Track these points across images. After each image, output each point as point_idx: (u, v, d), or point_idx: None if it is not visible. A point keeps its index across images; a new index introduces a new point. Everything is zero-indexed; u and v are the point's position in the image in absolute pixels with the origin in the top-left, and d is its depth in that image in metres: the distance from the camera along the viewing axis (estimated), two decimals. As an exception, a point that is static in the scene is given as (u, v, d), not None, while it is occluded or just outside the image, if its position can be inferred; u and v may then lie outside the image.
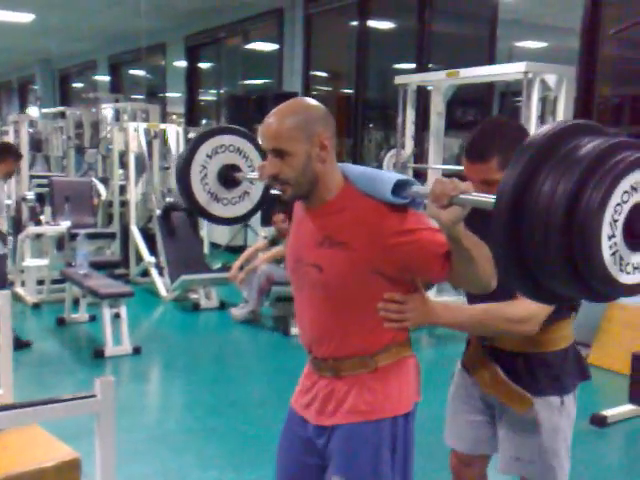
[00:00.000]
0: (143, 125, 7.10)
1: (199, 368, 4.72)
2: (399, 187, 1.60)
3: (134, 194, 7.01)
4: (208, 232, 7.86)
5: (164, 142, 7.19)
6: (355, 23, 7.68)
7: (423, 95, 5.52)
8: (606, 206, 1.22)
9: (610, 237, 1.23)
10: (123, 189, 7.48)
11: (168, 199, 6.73)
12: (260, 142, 1.71)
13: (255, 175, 2.32)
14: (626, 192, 1.24)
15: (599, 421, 3.68)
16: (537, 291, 1.34)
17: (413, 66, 6.77)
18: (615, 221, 1.23)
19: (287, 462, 1.87)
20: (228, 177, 2.48)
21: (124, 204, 7.41)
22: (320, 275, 1.67)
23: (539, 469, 1.91)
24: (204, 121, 10.36)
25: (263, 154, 2.48)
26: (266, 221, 6.34)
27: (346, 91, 8.69)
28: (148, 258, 6.61)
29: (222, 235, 8.69)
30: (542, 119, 4.71)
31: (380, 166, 5.75)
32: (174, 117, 11.27)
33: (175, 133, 7.24)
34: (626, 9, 5.33)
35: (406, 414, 1.70)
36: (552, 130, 1.28)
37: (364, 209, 1.63)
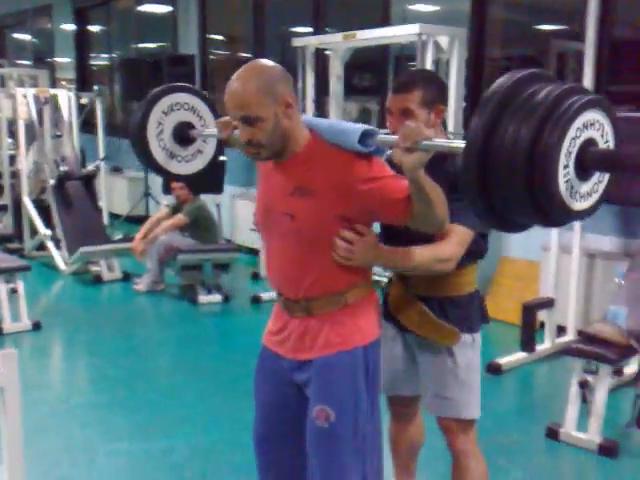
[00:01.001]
0: (32, 91, 6.75)
1: (104, 341, 4.63)
2: (365, 136, 1.71)
3: (25, 164, 6.68)
4: (107, 202, 7.63)
5: (55, 109, 6.88)
6: (251, -15, 7.56)
7: (321, 59, 5.53)
8: (562, 144, 1.38)
9: (565, 167, 1.41)
10: (13, 159, 7.12)
11: (62, 168, 6.46)
12: (227, 110, 1.74)
13: (213, 131, 2.37)
14: (578, 129, 1.41)
15: (494, 369, 3.91)
16: (501, 221, 1.52)
17: (310, 30, 6.76)
18: (569, 153, 1.40)
19: (266, 397, 1.97)
20: (183, 134, 2.53)
21: (15, 175, 7.06)
22: (292, 223, 1.77)
23: (458, 404, 2.08)
24: (96, 87, 9.95)
25: (215, 112, 2.60)
26: (167, 189, 6.23)
27: (244, 55, 8.58)
28: (43, 231, 6.36)
29: (122, 205, 8.46)
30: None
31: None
32: (64, 83, 10.77)
33: (67, 99, 6.94)
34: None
35: (373, 342, 1.85)
36: (511, 79, 1.42)
37: (332, 158, 1.74)
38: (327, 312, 1.82)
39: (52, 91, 7.03)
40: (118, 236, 6.79)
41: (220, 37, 8.60)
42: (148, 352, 4.46)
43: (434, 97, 1.95)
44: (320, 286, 1.81)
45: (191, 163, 2.60)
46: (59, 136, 7.00)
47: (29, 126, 6.73)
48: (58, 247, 6.32)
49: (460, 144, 1.51)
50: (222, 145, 2.56)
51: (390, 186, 1.71)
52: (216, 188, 6.47)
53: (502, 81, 1.43)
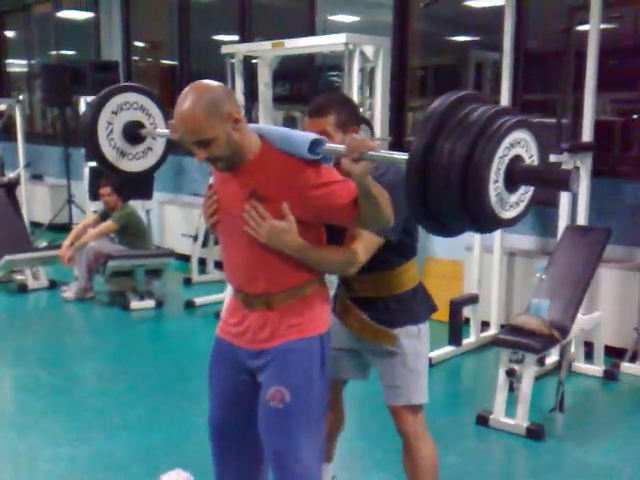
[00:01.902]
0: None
1: (35, 349, 4.55)
2: (314, 145, 1.81)
3: (-58, 172, 6.46)
4: (28, 210, 7.44)
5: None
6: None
7: (248, 66, 5.61)
8: (493, 160, 1.54)
9: (495, 182, 1.57)
10: None
11: (-17, 176, 6.29)
12: (180, 133, 1.83)
13: (165, 131, 2.47)
14: (507, 147, 1.57)
15: (426, 363, 4.09)
16: (440, 228, 1.67)
17: (235, 37, 6.83)
18: (499, 169, 1.56)
19: (221, 385, 2.05)
20: (133, 133, 2.59)
21: None
22: (247, 224, 1.86)
23: (408, 391, 2.22)
24: (15, 93, 9.67)
25: (165, 113, 2.67)
26: (95, 196, 6.15)
27: (167, 62, 8.55)
28: (-36, 240, 6.16)
29: (44, 213, 8.26)
30: (362, 89, 5.01)
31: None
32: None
33: (-15, 105, 6.75)
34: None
35: (327, 331, 1.98)
36: (447, 101, 1.57)
37: (283, 165, 1.84)
38: (286, 305, 1.93)
39: (-30, 96, 6.82)
40: (42, 244, 6.64)
41: (143, 44, 8.55)
42: (82, 359, 4.42)
43: (347, 119, 2.09)
44: (279, 283, 1.92)
45: (142, 160, 2.68)
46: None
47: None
48: (-21, 257, 6.13)
49: (401, 156, 1.66)
50: (172, 143, 2.65)
51: (339, 191, 1.83)
52: (145, 194, 6.44)
53: (439, 102, 1.58)
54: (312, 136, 1.84)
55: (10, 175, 6.63)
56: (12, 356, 4.46)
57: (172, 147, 2.73)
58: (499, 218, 1.62)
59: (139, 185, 6.24)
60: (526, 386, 3.28)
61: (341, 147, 1.76)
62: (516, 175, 1.59)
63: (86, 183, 6.59)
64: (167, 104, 8.41)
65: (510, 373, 3.29)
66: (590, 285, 3.80)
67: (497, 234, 4.49)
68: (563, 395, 3.37)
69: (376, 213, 1.80)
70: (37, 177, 8.68)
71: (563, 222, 4.05)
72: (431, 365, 4.09)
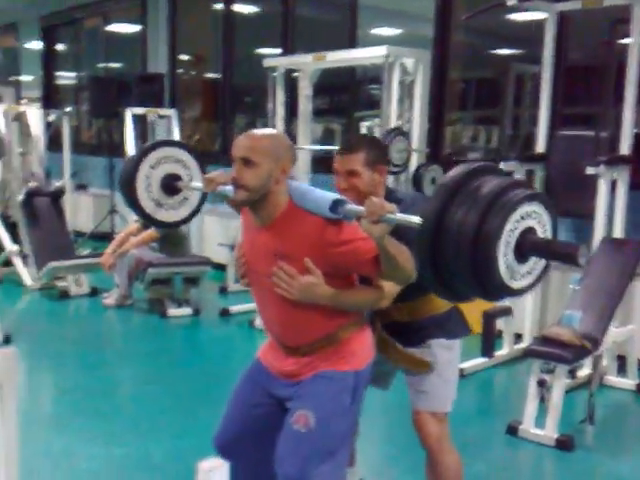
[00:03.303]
0: (1, 107, 6.78)
1: (75, 354, 4.68)
2: (335, 204, 1.87)
3: (-7, 180, 6.70)
4: (72, 219, 7.65)
5: (23, 125, 6.92)
6: (221, 6, 7.74)
7: (289, 80, 5.71)
8: (502, 233, 1.56)
9: (505, 255, 1.59)
10: (-21, 176, 7.11)
11: (31, 184, 6.49)
12: (233, 150, 1.93)
13: (199, 185, 2.56)
14: (518, 219, 1.60)
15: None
16: (448, 292, 1.70)
17: (277, 51, 6.94)
18: (509, 241, 1.58)
19: (245, 397, 2.12)
20: (170, 185, 2.73)
21: (-20, 192, 7.06)
22: (277, 285, 1.93)
23: (434, 397, 2.26)
24: (67, 109, 9.98)
25: (201, 165, 2.83)
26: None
27: (211, 75, 8.73)
28: (10, 247, 6.37)
29: (87, 222, 8.48)
30: (401, 102, 5.06)
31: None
32: (25, 101, 10.77)
33: (35, 116, 6.99)
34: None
35: (363, 369, 2.01)
36: (462, 171, 1.62)
37: (305, 224, 1.90)
38: (323, 350, 1.99)
39: (21, 108, 7.07)
40: (84, 252, 6.82)
41: (188, 57, 8.75)
42: (120, 364, 4.53)
43: (376, 158, 2.18)
44: (314, 333, 1.99)
45: (178, 211, 2.83)
46: (24, 154, 7.03)
47: (-4, 142, 6.75)
48: (25, 263, 6.33)
49: (416, 220, 1.70)
50: (205, 195, 2.80)
51: (361, 248, 1.87)
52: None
53: (455, 172, 1.63)
54: (333, 196, 1.90)
55: (56, 184, 6.83)
56: (53, 360, 4.58)
57: (206, 198, 2.86)
58: (509, 288, 1.64)
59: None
60: (556, 397, 3.26)
61: (360, 208, 1.82)
62: (526, 247, 1.61)
63: (129, 192, 6.76)
64: (209, 117, 8.62)
65: (541, 383, 3.28)
66: (624, 298, 3.75)
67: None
68: (594, 407, 3.34)
69: (396, 271, 1.85)
70: (81, 187, 8.92)
71: (599, 234, 4.01)
72: (463, 376, 4.08)
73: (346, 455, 2.02)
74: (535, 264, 1.67)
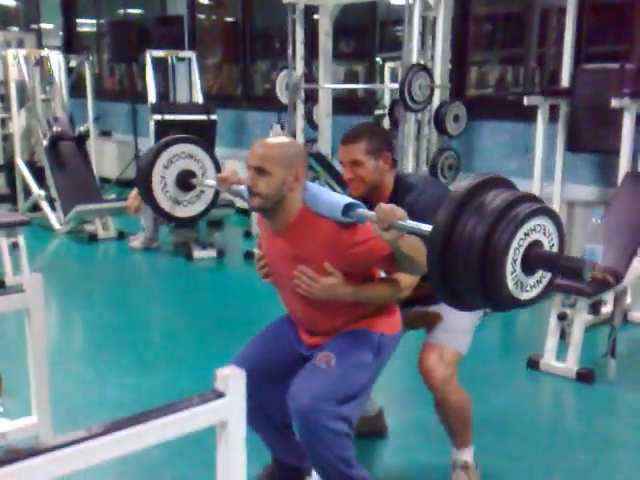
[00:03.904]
0: (23, 52, 6.79)
1: (105, 293, 4.79)
2: (347, 208, 1.91)
3: (18, 126, 6.76)
4: (97, 166, 7.71)
5: (45, 70, 6.93)
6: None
7: (309, 22, 5.63)
8: (509, 248, 1.57)
9: (512, 269, 1.60)
10: (4, 122, 7.19)
11: (55, 128, 6.54)
12: (247, 159, 1.97)
13: (213, 183, 2.60)
14: (527, 232, 1.60)
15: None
16: (458, 302, 1.72)
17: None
18: (516, 254, 1.59)
19: (268, 338, 2.21)
20: (185, 181, 2.78)
21: (6, 138, 7.14)
22: (299, 287, 1.99)
23: (455, 334, 2.28)
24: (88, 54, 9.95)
25: (213, 158, 2.86)
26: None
27: (231, 19, 8.63)
28: (37, 191, 6.46)
29: (112, 169, 8.54)
30: (424, 39, 4.99)
31: (273, 87, 5.86)
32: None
33: (57, 61, 6.99)
34: None
35: (391, 335, 2.09)
36: (472, 184, 1.63)
37: (319, 228, 1.95)
38: (348, 327, 2.08)
39: (43, 52, 7.07)
40: (111, 197, 6.91)
41: (208, 1, 8.65)
42: (148, 302, 4.64)
43: (379, 146, 2.19)
44: (339, 322, 2.07)
45: (194, 205, 2.87)
46: (48, 100, 7.07)
47: (20, 88, 6.79)
48: (52, 207, 6.43)
49: (426, 228, 1.72)
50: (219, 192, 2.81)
51: (376, 247, 1.91)
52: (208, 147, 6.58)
53: (466, 183, 1.63)
54: (345, 200, 1.93)
55: (80, 129, 6.87)
56: (83, 299, 4.71)
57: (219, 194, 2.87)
58: (517, 300, 1.65)
59: (203, 139, 6.39)
60: (577, 330, 3.29)
61: (371, 214, 1.84)
62: (532, 260, 1.62)
63: (152, 137, 6.79)
64: (230, 61, 8.54)
65: (562, 317, 3.30)
66: (650, 233, 3.73)
67: (557, 184, 4.45)
68: (615, 341, 3.36)
69: (412, 266, 1.91)
70: (105, 133, 8.97)
71: (623, 169, 3.97)
72: (486, 314, 4.12)
73: (359, 409, 2.07)
74: (543, 274, 1.69)
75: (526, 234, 1.59)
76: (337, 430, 1.93)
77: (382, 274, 2.16)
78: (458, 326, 2.26)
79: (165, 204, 2.79)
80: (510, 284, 1.60)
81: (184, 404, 1.42)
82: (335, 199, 1.95)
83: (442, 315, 2.27)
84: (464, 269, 1.57)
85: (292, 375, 2.03)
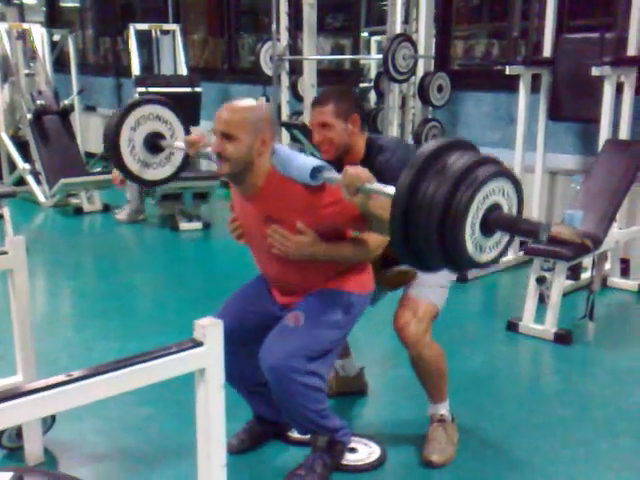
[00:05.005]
0: (4, 26, 6.74)
1: (91, 263, 4.83)
2: (314, 171, 1.93)
3: (1, 100, 6.72)
4: (82, 141, 7.68)
5: (29, 45, 6.88)
6: None
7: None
8: (469, 210, 1.58)
9: (472, 231, 1.62)
10: (-14, 96, 7.13)
11: (39, 102, 6.51)
12: (214, 123, 1.98)
13: (182, 145, 2.59)
14: (486, 194, 1.60)
15: (460, 278, 4.15)
16: (419, 263, 1.74)
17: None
18: (475, 219, 1.61)
19: (245, 299, 2.25)
20: (154, 143, 2.73)
21: (-11, 112, 7.09)
22: (273, 246, 2.02)
23: (430, 289, 2.32)
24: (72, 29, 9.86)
25: (181, 119, 2.81)
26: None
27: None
28: (22, 165, 6.45)
29: (97, 143, 8.46)
30: (408, 10, 4.99)
31: (258, 60, 5.84)
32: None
33: (40, 35, 6.94)
34: None
35: (360, 294, 2.13)
36: (434, 146, 1.64)
37: (289, 191, 1.97)
38: (321, 286, 2.12)
39: (25, 26, 7.02)
40: (97, 169, 6.89)
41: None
42: (135, 272, 4.67)
43: (347, 108, 2.24)
44: (312, 281, 2.11)
45: (163, 168, 2.82)
46: (32, 75, 7.02)
47: (3, 62, 6.74)
48: (38, 181, 6.41)
49: (390, 191, 1.73)
50: (188, 156, 2.77)
51: (345, 208, 1.94)
52: (193, 120, 6.58)
53: (428, 146, 1.65)
54: (313, 162, 1.95)
55: (65, 102, 6.83)
56: (70, 269, 4.73)
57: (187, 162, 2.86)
58: (475, 261, 1.68)
59: (187, 112, 6.38)
60: (556, 293, 3.35)
61: (338, 177, 1.87)
62: (491, 223, 1.64)
63: (137, 110, 6.77)
64: (215, 33, 8.47)
65: (540, 280, 3.37)
66: (630, 200, 3.80)
67: (538, 153, 4.49)
68: (593, 303, 3.43)
69: (382, 226, 1.90)
70: (90, 108, 8.92)
71: (604, 137, 4.02)
72: (467, 280, 4.19)
73: (329, 365, 2.13)
74: (502, 237, 1.72)
75: (485, 197, 1.61)
76: (309, 384, 2.00)
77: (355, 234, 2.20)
78: (431, 281, 2.30)
79: (134, 166, 2.74)
80: (470, 247, 1.63)
81: (163, 351, 1.47)
82: (303, 162, 1.97)
83: (418, 273, 2.32)
84: (425, 231, 1.60)
85: (265, 334, 2.08)
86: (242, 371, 2.22)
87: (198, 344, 1.50)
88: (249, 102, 2.02)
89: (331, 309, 2.08)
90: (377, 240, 2.11)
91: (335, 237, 2.06)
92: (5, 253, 2.17)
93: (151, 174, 2.80)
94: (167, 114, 2.81)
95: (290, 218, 1.98)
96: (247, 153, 1.95)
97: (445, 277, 2.33)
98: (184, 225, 5.60)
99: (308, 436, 2.21)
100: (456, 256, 1.64)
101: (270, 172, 2.00)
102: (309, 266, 2.07)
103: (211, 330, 1.51)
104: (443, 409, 2.40)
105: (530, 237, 1.72)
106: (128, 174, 2.77)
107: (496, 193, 1.65)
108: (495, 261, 1.75)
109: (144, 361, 1.43)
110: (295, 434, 2.38)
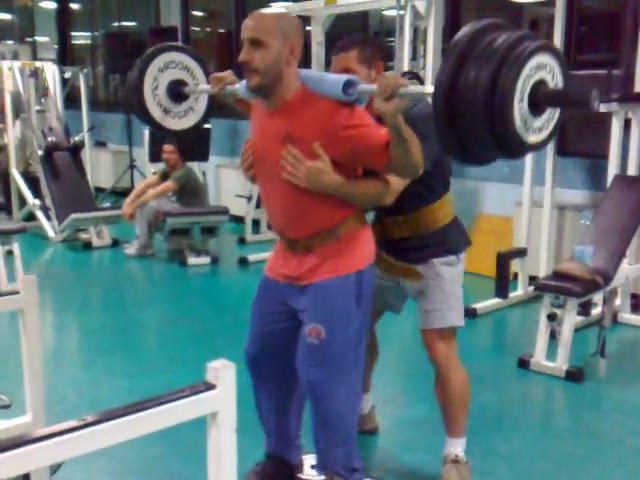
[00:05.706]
0: (17, 63, 6.84)
1: (100, 299, 4.82)
2: (347, 85, 1.89)
3: (13, 137, 6.80)
4: (92, 176, 7.74)
5: (40, 82, 6.98)
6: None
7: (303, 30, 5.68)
8: (515, 87, 1.56)
9: (520, 103, 1.58)
10: (-1, 133, 7.22)
11: (50, 139, 6.58)
12: (242, 32, 1.93)
13: (207, 87, 2.53)
14: (531, 70, 1.60)
15: (470, 313, 4.13)
16: (467, 154, 1.70)
17: (290, 3, 6.91)
18: (523, 92, 1.59)
19: (262, 319, 2.20)
20: (177, 91, 2.70)
21: (1, 148, 7.17)
22: (284, 170, 1.94)
23: (443, 313, 2.31)
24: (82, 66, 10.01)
25: (207, 72, 2.75)
26: (154, 157, 6.38)
27: (224, 30, 8.69)
28: (32, 200, 6.49)
29: (107, 179, 8.58)
30: (415, 48, 5.05)
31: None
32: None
33: (51, 72, 7.04)
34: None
35: (365, 268, 2.06)
36: (472, 29, 1.63)
37: (317, 107, 1.92)
38: (323, 245, 2.03)
39: (37, 64, 7.13)
40: (106, 204, 6.94)
41: (202, 13, 8.72)
42: (143, 307, 4.66)
43: (371, 54, 2.15)
44: (314, 224, 2.02)
45: (184, 119, 2.79)
46: (42, 111, 7.10)
47: (15, 99, 6.83)
48: (47, 217, 6.46)
49: (431, 89, 1.70)
50: (212, 104, 2.77)
51: (370, 133, 1.90)
52: (202, 156, 6.64)
53: (464, 31, 1.64)
54: (345, 77, 1.91)
55: (75, 138, 6.91)
56: (78, 304, 4.73)
57: (212, 109, 2.85)
58: (524, 142, 1.65)
59: (197, 147, 6.45)
60: (567, 330, 3.32)
61: (373, 87, 1.81)
62: (539, 97, 1.63)
63: (146, 145, 6.84)
64: (224, 70, 8.53)
65: (552, 317, 3.34)
66: (639, 236, 3.79)
67: (547, 188, 4.50)
68: (605, 340, 3.40)
69: (406, 157, 1.85)
70: (100, 144, 9.01)
71: (612, 173, 4.02)
72: (476, 315, 4.17)
73: (361, 354, 2.10)
74: (548, 120, 1.68)
75: (529, 74, 1.58)
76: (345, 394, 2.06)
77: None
78: (448, 299, 2.29)
79: (154, 111, 2.69)
80: (518, 125, 1.58)
81: (175, 395, 1.46)
82: (336, 77, 1.93)
83: (422, 275, 2.30)
84: (472, 117, 1.56)
85: (294, 341, 2.08)
86: (275, 384, 2.24)
87: (211, 387, 1.49)
88: (277, 11, 1.96)
89: (344, 305, 2.02)
90: (392, 184, 2.03)
91: (347, 175, 1.98)
92: (16, 293, 2.17)
93: (172, 123, 2.75)
94: (195, 67, 2.78)
95: (310, 138, 1.91)
96: (276, 61, 1.88)
97: (456, 283, 2.34)
98: (192, 260, 5.60)
99: (321, 477, 2.18)
100: (505, 138, 1.60)
101: (300, 89, 1.94)
102: (315, 205, 1.99)
103: (224, 373, 1.50)
104: (459, 448, 2.36)
105: (582, 107, 1.66)
106: (149, 119, 2.70)
107: (540, 69, 1.63)
108: (544, 143, 1.71)
109: (157, 405, 1.41)
110: (305, 475, 2.35)
